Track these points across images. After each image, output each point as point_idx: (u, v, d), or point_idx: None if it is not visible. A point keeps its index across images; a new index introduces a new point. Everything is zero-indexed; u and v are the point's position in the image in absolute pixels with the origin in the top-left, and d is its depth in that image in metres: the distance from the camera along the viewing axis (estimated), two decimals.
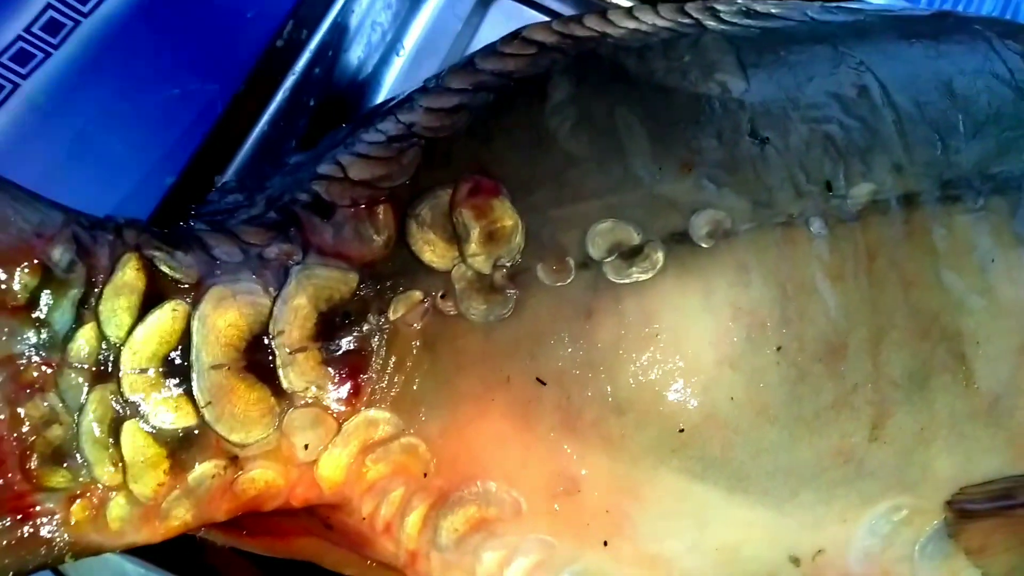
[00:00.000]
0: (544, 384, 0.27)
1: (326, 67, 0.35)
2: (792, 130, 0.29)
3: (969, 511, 0.26)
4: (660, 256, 0.27)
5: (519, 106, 0.31)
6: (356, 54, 0.38)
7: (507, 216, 0.29)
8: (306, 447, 0.28)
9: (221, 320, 0.27)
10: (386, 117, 0.33)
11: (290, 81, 0.33)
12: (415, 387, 0.28)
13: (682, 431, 0.26)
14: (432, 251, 0.28)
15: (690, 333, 0.26)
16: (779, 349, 0.26)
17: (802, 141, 0.29)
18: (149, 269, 0.27)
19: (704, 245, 0.27)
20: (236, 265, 0.28)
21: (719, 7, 0.35)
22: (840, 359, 0.26)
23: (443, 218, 0.29)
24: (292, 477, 0.28)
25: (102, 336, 0.26)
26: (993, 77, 0.30)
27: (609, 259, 0.27)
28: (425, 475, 0.28)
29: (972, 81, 0.30)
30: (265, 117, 0.32)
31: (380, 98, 0.39)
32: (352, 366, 0.28)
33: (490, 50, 0.34)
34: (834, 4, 0.34)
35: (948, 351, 0.26)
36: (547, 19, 0.39)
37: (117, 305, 0.26)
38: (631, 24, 0.34)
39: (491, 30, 0.39)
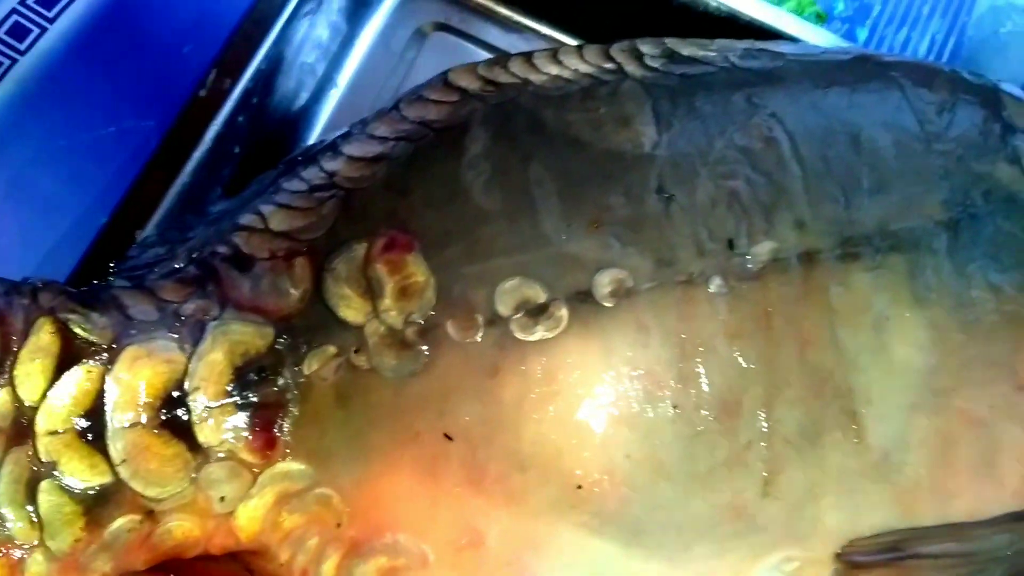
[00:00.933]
0: (451, 440, 0.28)
1: (251, 114, 0.35)
2: (699, 186, 0.29)
3: (859, 563, 0.27)
4: (564, 314, 0.28)
5: (437, 159, 0.31)
6: (286, 94, 0.38)
7: (420, 272, 0.29)
8: (222, 499, 0.28)
9: (135, 380, 0.28)
10: (310, 163, 0.33)
11: (212, 132, 0.33)
12: (329, 440, 0.29)
13: (580, 488, 0.27)
14: (347, 306, 0.29)
15: (589, 392, 0.27)
16: (675, 408, 0.27)
17: (708, 198, 0.29)
18: (64, 332, 0.28)
19: (607, 304, 0.28)
20: (152, 323, 0.29)
21: (644, 49, 0.35)
22: (734, 417, 0.27)
23: (358, 272, 0.30)
24: (209, 528, 0.29)
25: (17, 399, 0.27)
26: (902, 130, 0.31)
27: (516, 317, 0.28)
28: (339, 525, 0.29)
29: (880, 134, 0.30)
30: (187, 168, 0.33)
31: (315, 135, 0.39)
32: (267, 420, 0.29)
33: (416, 95, 0.35)
34: (757, 48, 0.35)
35: (840, 409, 0.27)
36: (485, 54, 0.39)
37: (32, 368, 0.27)
38: (554, 69, 0.34)
39: (427, 63, 0.40)
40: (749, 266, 0.28)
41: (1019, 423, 0.28)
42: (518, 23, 0.42)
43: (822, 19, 0.46)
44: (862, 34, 0.47)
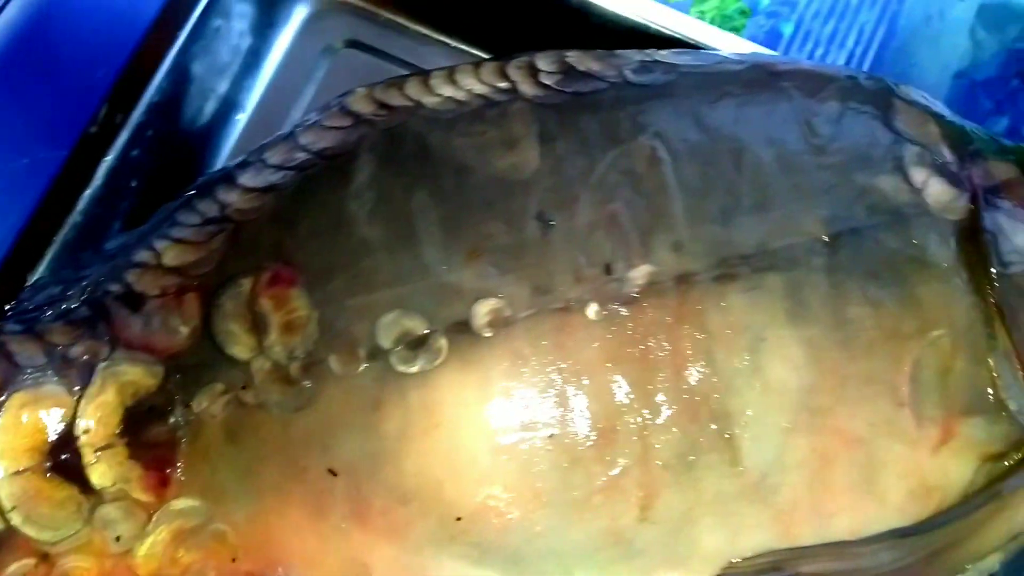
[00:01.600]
0: (336, 475, 0.28)
1: (147, 146, 0.35)
2: (579, 211, 0.29)
3: None
4: (444, 346, 0.28)
5: (323, 188, 0.31)
6: (189, 122, 0.38)
7: (303, 306, 0.29)
8: (118, 539, 0.29)
9: (23, 426, 0.28)
10: (206, 195, 0.34)
11: (104, 167, 0.33)
12: (221, 476, 0.29)
13: (460, 519, 0.27)
14: (234, 342, 0.29)
15: (467, 424, 0.27)
16: (551, 436, 0.27)
17: (587, 222, 0.29)
18: None
19: (485, 334, 0.28)
20: (40, 368, 0.29)
21: (541, 65, 0.34)
22: (610, 443, 0.27)
23: (244, 308, 0.30)
24: (107, 567, 0.29)
25: None
26: (787, 144, 0.30)
27: (396, 350, 0.28)
28: (234, 560, 0.29)
29: (764, 149, 0.30)
30: (79, 207, 0.33)
31: (222, 162, 0.39)
32: (159, 459, 0.29)
33: (312, 121, 0.35)
34: (654, 60, 0.34)
35: (716, 432, 0.27)
36: (397, 69, 0.38)
37: None
38: (448, 90, 0.34)
39: (338, 82, 0.39)
40: (626, 291, 0.28)
41: (899, 440, 0.28)
42: (429, 37, 0.42)
43: (746, 14, 0.46)
44: (787, 28, 0.46)
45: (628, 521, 0.27)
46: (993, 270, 0.28)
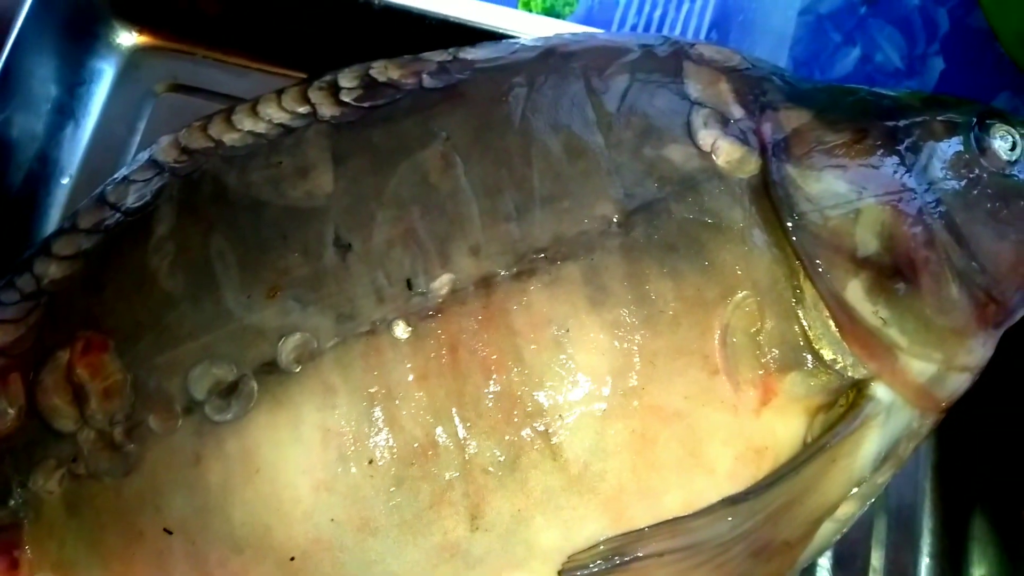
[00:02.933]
0: (171, 534, 0.28)
1: None
2: (375, 230, 0.29)
3: None
4: (254, 389, 0.28)
5: (127, 246, 0.31)
6: (14, 192, 0.37)
7: (117, 370, 0.29)
8: None
9: None
10: (24, 270, 0.33)
11: None
12: (69, 550, 0.29)
13: (293, 559, 0.27)
14: (59, 416, 0.29)
15: (285, 465, 0.27)
16: (371, 462, 0.27)
17: (384, 240, 0.29)
18: None
19: (294, 370, 0.28)
20: None
21: (343, 82, 0.34)
22: (432, 459, 0.27)
23: (63, 381, 0.29)
24: None
25: None
26: (576, 128, 0.30)
27: (210, 400, 0.28)
28: None
29: (554, 138, 0.29)
30: None
31: (52, 228, 0.39)
32: (6, 543, 0.29)
33: (121, 177, 0.34)
34: (451, 59, 0.33)
35: (534, 430, 0.27)
36: (222, 105, 0.38)
37: None
38: (249, 124, 0.33)
39: (162, 128, 0.38)
40: (430, 303, 0.28)
41: (719, 407, 0.27)
42: (249, 67, 0.41)
43: None
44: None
45: (461, 533, 0.27)
46: (788, 223, 0.28)
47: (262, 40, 0.41)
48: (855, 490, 0.30)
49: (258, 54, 0.41)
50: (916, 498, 0.40)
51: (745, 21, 0.48)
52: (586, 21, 0.46)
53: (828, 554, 0.39)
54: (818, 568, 0.39)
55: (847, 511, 0.31)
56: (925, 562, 0.39)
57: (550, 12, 0.46)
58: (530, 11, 0.45)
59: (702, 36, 0.46)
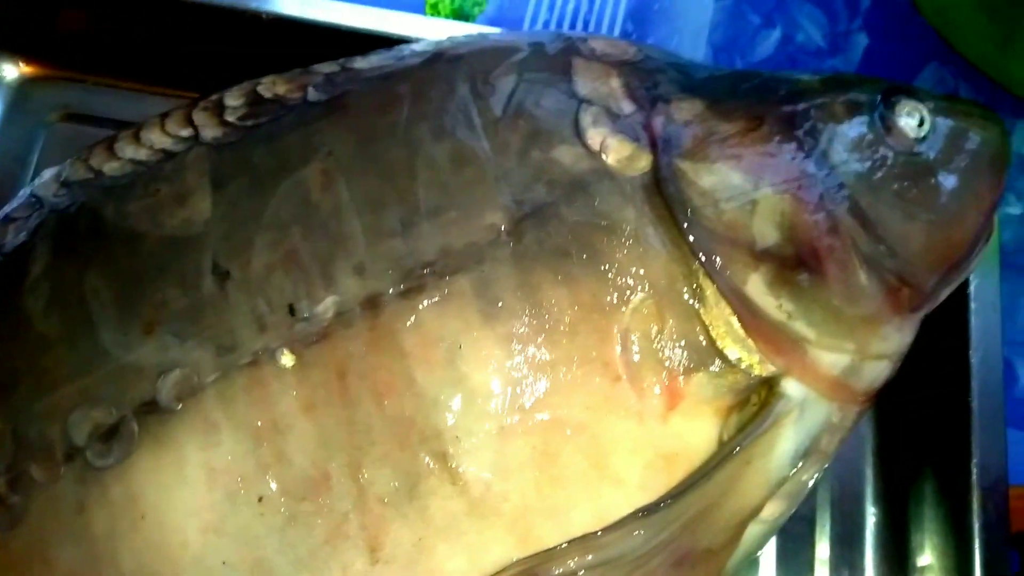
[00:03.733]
0: None
1: None
2: (254, 255, 0.27)
3: None
4: (135, 430, 0.26)
5: (2, 289, 0.30)
6: None
7: None
8: None
9: None
10: None
11: None
12: None
13: None
14: None
15: (171, 508, 0.26)
16: (261, 500, 0.26)
17: (264, 265, 0.27)
18: None
19: (175, 409, 0.26)
20: None
21: (228, 101, 0.32)
22: (324, 492, 0.26)
23: None
24: None
25: None
26: (458, 135, 0.28)
27: (91, 445, 0.27)
28: None
29: (437, 147, 0.28)
30: None
31: None
32: None
33: (1, 216, 0.33)
34: (338, 69, 0.32)
35: (430, 454, 0.26)
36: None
37: None
38: (130, 151, 0.32)
39: (55, 160, 0.36)
40: (314, 329, 0.26)
41: (623, 416, 0.26)
42: (144, 91, 0.40)
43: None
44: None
45: (361, 567, 0.26)
46: (683, 220, 0.27)
47: (154, 62, 0.40)
48: (780, 489, 0.29)
49: (151, 77, 0.40)
50: (859, 488, 0.39)
51: (661, 10, 0.47)
52: (496, 21, 0.45)
53: (772, 550, 0.38)
54: (762, 564, 0.38)
55: (774, 511, 0.30)
56: (871, 552, 0.38)
57: (459, 14, 0.45)
58: (438, 14, 0.44)
59: (617, 29, 0.45)
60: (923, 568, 0.37)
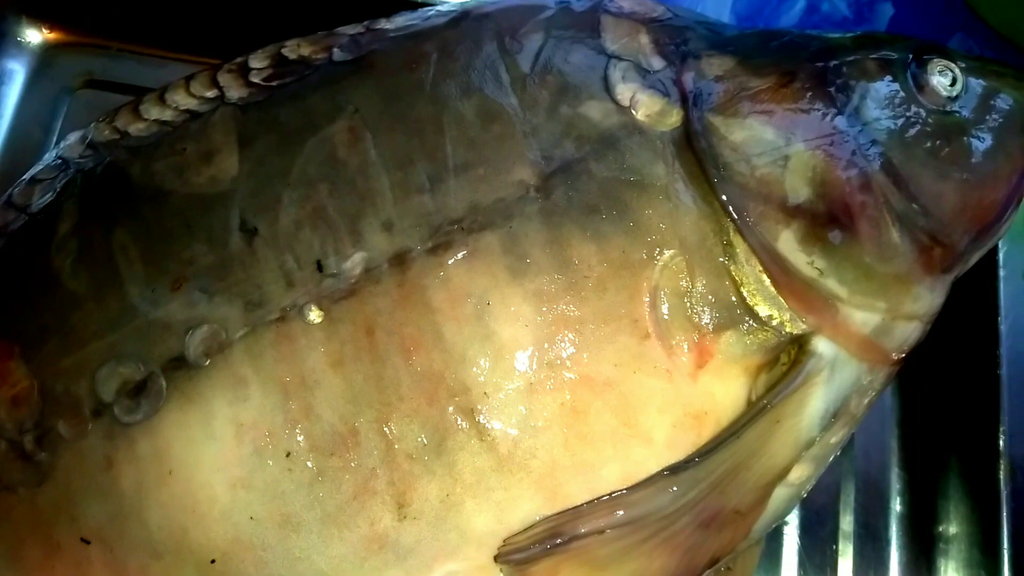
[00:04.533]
0: (89, 543, 0.27)
1: None
2: (282, 212, 0.27)
3: (524, 559, 0.26)
4: (163, 386, 0.26)
5: (30, 248, 0.29)
6: None
7: (23, 377, 0.28)
8: None
9: None
10: None
11: None
12: None
13: (214, 562, 0.26)
14: None
15: (199, 463, 0.26)
16: (288, 455, 0.26)
17: (292, 222, 0.27)
18: None
19: (203, 365, 0.26)
20: None
21: (253, 63, 0.32)
22: (352, 447, 0.26)
23: None
24: None
25: None
26: (490, 93, 0.28)
27: (119, 401, 0.27)
28: None
29: (466, 104, 0.28)
30: None
31: None
32: None
33: (27, 179, 0.33)
34: (363, 30, 0.32)
35: (458, 410, 0.26)
36: None
37: None
38: (155, 112, 0.32)
39: (79, 124, 0.36)
40: (342, 285, 0.26)
41: (652, 373, 0.26)
42: (167, 58, 0.40)
43: None
44: None
45: (388, 523, 0.26)
46: (714, 175, 0.27)
47: (178, 29, 0.40)
48: (807, 452, 0.29)
49: (175, 44, 0.40)
50: (884, 458, 0.38)
51: None
52: None
53: (795, 520, 0.38)
54: (785, 535, 0.37)
55: (801, 474, 0.29)
56: (895, 523, 0.38)
57: None
58: None
59: None
60: (949, 537, 0.37)
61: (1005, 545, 0.33)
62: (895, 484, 0.38)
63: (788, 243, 0.27)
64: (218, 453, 0.26)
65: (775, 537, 0.38)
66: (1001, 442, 0.34)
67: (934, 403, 0.39)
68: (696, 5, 0.45)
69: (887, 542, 0.38)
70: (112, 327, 0.27)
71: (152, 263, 0.27)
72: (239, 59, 0.33)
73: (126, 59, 0.40)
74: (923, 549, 0.37)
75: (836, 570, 0.37)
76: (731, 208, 0.27)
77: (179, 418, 0.26)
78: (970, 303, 0.36)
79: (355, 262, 0.27)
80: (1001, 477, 0.34)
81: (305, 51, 0.32)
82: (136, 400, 0.27)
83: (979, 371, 0.36)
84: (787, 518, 0.38)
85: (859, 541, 0.37)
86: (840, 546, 0.38)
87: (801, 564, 0.37)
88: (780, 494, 0.29)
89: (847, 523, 0.38)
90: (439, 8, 0.33)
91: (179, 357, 0.26)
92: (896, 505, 0.38)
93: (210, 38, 0.40)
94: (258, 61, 0.33)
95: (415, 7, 0.34)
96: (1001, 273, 0.36)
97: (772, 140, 0.27)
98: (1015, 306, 0.35)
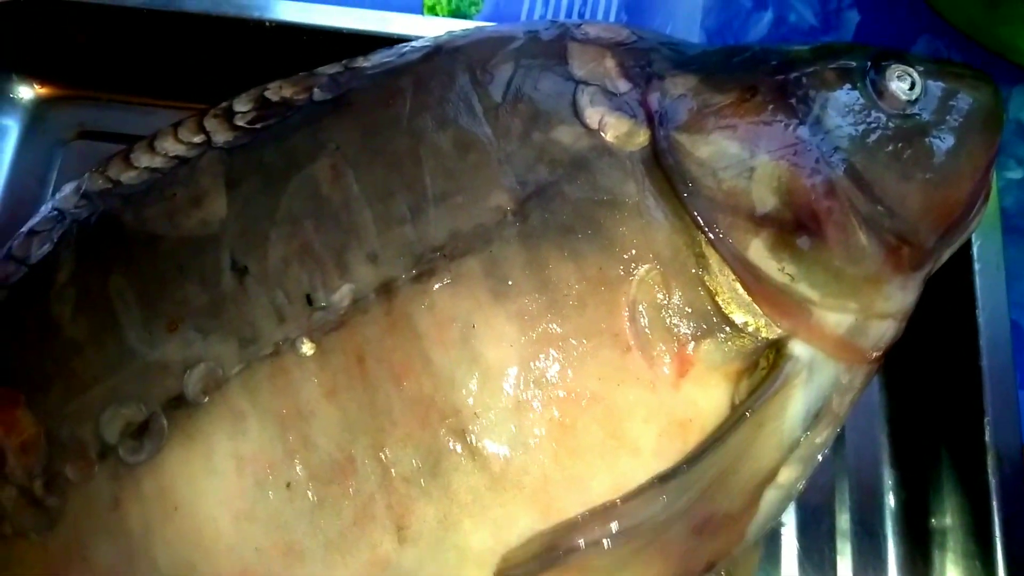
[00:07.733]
0: None
1: None
2: (271, 249, 0.28)
3: (522, 575, 0.27)
4: (165, 425, 0.27)
5: (28, 298, 0.31)
6: None
7: (30, 424, 0.29)
8: None
9: None
10: None
11: None
12: None
13: None
14: None
15: (203, 498, 0.27)
16: (289, 485, 0.26)
17: (280, 259, 0.28)
18: None
19: (202, 402, 0.27)
20: None
21: (237, 107, 0.34)
22: (350, 474, 0.26)
23: None
24: None
25: None
26: (461, 123, 0.29)
27: (123, 442, 0.28)
28: None
29: (441, 135, 0.29)
30: None
31: None
32: None
33: (25, 232, 0.34)
34: (342, 69, 0.33)
35: (450, 432, 0.26)
36: None
37: None
38: (146, 160, 0.33)
39: (72, 178, 0.38)
40: (331, 317, 0.27)
41: (635, 385, 0.27)
42: (157, 106, 0.41)
43: None
44: None
45: (389, 546, 0.26)
46: (682, 190, 0.28)
47: (164, 77, 0.41)
48: (793, 453, 0.29)
49: (162, 91, 0.41)
50: (875, 455, 0.39)
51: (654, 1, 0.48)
52: (493, 17, 0.46)
53: (793, 521, 0.38)
54: (783, 537, 0.38)
55: (790, 476, 0.30)
56: (890, 518, 0.38)
57: (456, 13, 0.46)
58: (436, 15, 0.45)
59: (612, 19, 0.46)
60: (944, 529, 0.37)
61: (997, 534, 0.34)
62: (888, 480, 0.39)
63: (758, 251, 0.28)
64: (221, 487, 0.27)
65: (773, 539, 0.38)
66: (987, 433, 0.35)
67: (921, 398, 0.39)
68: (666, 23, 0.46)
69: (883, 538, 0.38)
70: (113, 370, 0.28)
71: (148, 306, 0.28)
72: (224, 104, 0.34)
73: (116, 108, 0.41)
74: (919, 542, 0.38)
75: (835, 568, 0.38)
76: (701, 221, 0.28)
77: (181, 455, 0.27)
78: (948, 298, 0.37)
79: (343, 294, 0.28)
80: (989, 467, 0.35)
81: (287, 92, 0.34)
82: (139, 440, 0.27)
83: (961, 363, 0.36)
84: (784, 520, 0.39)
85: (856, 539, 0.38)
86: (838, 545, 0.38)
87: (801, 565, 0.38)
88: (771, 496, 0.30)
89: (843, 521, 0.38)
90: (413, 44, 0.34)
91: (178, 396, 0.27)
92: (890, 501, 0.39)
93: (196, 84, 0.41)
94: (242, 104, 0.34)
95: (391, 44, 0.36)
96: (976, 267, 0.37)
97: (737, 153, 0.28)
98: (991, 297, 0.36)
